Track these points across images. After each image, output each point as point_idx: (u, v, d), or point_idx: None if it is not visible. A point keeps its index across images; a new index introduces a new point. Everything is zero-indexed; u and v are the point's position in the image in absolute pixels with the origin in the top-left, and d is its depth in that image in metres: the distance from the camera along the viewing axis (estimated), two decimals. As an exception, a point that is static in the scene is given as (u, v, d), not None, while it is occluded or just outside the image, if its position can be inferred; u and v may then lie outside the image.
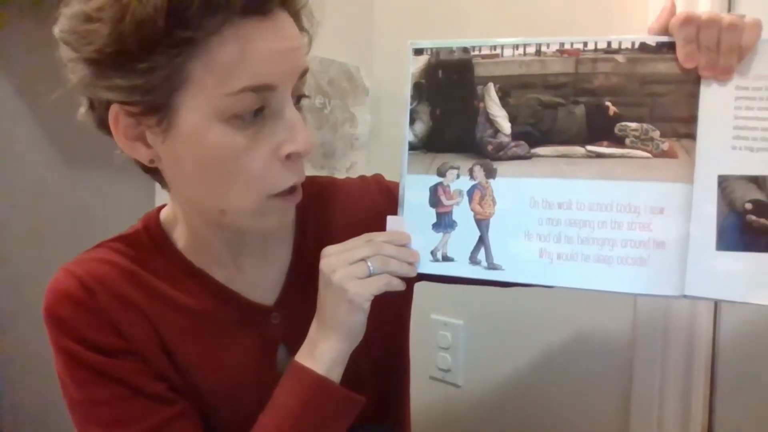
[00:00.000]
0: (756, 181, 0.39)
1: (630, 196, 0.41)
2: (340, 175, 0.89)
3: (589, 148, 0.42)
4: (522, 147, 0.44)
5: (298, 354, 0.44)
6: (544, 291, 0.48)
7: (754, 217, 0.39)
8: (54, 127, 1.13)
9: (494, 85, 0.44)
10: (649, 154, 0.41)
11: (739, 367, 0.63)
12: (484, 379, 0.84)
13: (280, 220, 0.44)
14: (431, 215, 0.46)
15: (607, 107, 0.42)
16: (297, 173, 0.41)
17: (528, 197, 0.44)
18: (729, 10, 0.62)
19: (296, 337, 0.45)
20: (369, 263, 0.42)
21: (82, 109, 0.42)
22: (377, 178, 0.57)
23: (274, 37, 0.38)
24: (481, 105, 0.45)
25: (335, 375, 0.43)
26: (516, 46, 0.43)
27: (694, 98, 0.40)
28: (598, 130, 0.42)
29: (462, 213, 0.45)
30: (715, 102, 0.40)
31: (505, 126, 0.44)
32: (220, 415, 0.47)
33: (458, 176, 0.45)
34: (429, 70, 0.46)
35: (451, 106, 0.46)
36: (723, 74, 0.39)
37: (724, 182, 0.40)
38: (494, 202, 0.45)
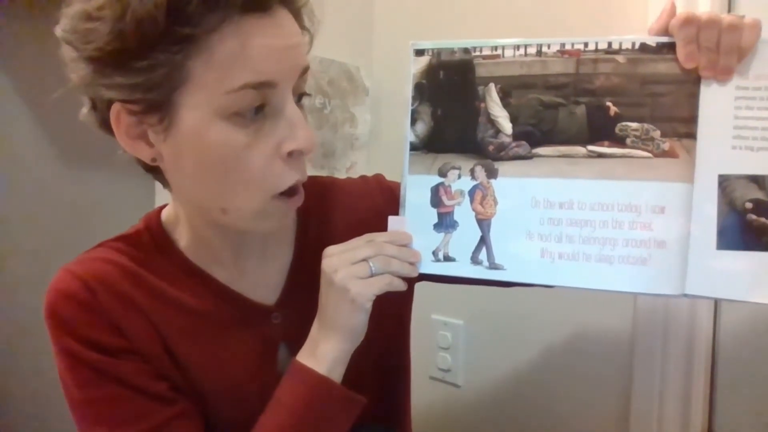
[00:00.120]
0: (756, 180, 0.39)
1: (631, 195, 0.41)
2: (340, 175, 0.89)
3: (590, 148, 0.43)
4: (523, 147, 0.44)
5: (300, 354, 0.45)
6: (543, 291, 0.48)
7: (754, 217, 0.39)
8: (54, 127, 1.13)
9: (495, 86, 0.44)
10: (649, 154, 0.41)
11: (739, 367, 0.63)
12: (484, 379, 0.84)
13: (280, 221, 0.44)
14: (432, 215, 0.46)
15: (608, 107, 0.42)
16: (298, 171, 0.41)
17: (529, 197, 0.44)
18: (729, 11, 0.62)
19: (297, 336, 0.45)
20: (371, 263, 0.42)
21: (84, 110, 0.42)
22: (378, 178, 0.57)
23: (275, 34, 0.38)
24: (482, 105, 0.45)
25: (336, 375, 0.43)
26: (517, 47, 0.44)
27: (694, 98, 0.40)
28: (599, 130, 0.42)
29: (463, 213, 0.45)
30: (715, 102, 0.40)
31: (506, 126, 0.44)
32: (221, 414, 0.47)
33: (459, 176, 0.46)
34: (430, 71, 0.46)
35: (453, 106, 0.46)
36: (723, 74, 0.39)
37: (724, 182, 0.40)
38: (495, 202, 0.45)
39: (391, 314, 0.52)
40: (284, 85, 0.39)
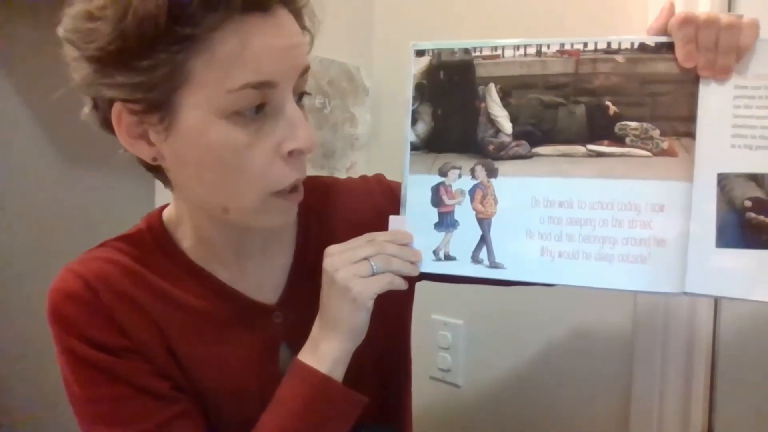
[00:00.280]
0: (755, 178, 0.40)
1: (630, 194, 0.41)
2: (340, 175, 0.90)
3: (590, 147, 0.43)
4: (523, 146, 0.44)
5: (301, 353, 0.45)
6: (543, 291, 0.49)
7: (753, 215, 0.40)
8: (54, 127, 1.13)
9: (495, 86, 0.45)
10: (649, 153, 0.41)
11: (739, 366, 0.64)
12: (484, 379, 0.84)
13: (283, 219, 0.44)
14: (433, 215, 0.46)
15: (608, 107, 0.42)
16: (298, 170, 0.42)
17: (529, 196, 0.44)
18: (729, 11, 0.62)
19: (298, 336, 0.46)
20: (372, 262, 0.42)
21: (86, 109, 0.42)
22: (379, 178, 0.57)
23: (275, 33, 0.38)
24: (483, 105, 0.45)
25: (338, 374, 0.43)
26: (517, 47, 0.44)
27: (693, 97, 0.40)
28: (599, 129, 0.42)
29: (464, 212, 0.46)
30: (714, 101, 0.40)
31: (507, 126, 0.45)
32: (222, 413, 0.47)
33: (460, 176, 0.46)
34: (430, 71, 0.46)
35: (453, 106, 0.46)
36: (721, 74, 0.40)
37: (723, 180, 0.40)
38: (496, 202, 0.45)
39: (391, 314, 0.52)
40: (285, 84, 0.39)
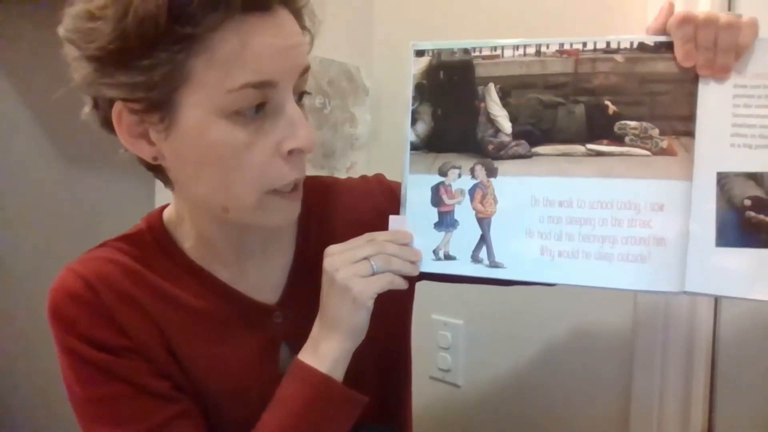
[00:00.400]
0: (754, 177, 0.40)
1: (630, 193, 0.41)
2: (340, 175, 0.90)
3: (589, 146, 0.43)
4: (523, 146, 0.44)
5: (301, 353, 0.45)
6: (543, 291, 0.49)
7: (753, 214, 0.40)
8: (54, 127, 1.13)
9: (495, 86, 0.45)
10: (648, 152, 0.41)
11: (739, 366, 0.64)
12: (484, 379, 0.84)
13: (283, 217, 0.44)
14: (433, 214, 0.46)
15: (607, 106, 0.42)
16: (298, 170, 0.42)
17: (529, 196, 0.44)
18: (728, 10, 0.63)
19: (299, 336, 0.46)
20: (372, 262, 0.43)
21: (86, 109, 0.42)
22: (379, 178, 0.57)
23: (275, 33, 0.38)
24: (482, 105, 0.45)
25: (338, 374, 0.43)
26: (516, 47, 0.44)
27: (692, 97, 0.40)
28: (598, 128, 0.42)
29: (463, 212, 0.46)
30: (713, 100, 0.40)
31: (506, 125, 0.45)
32: (223, 413, 0.47)
33: (460, 175, 0.46)
34: (430, 71, 0.46)
35: (453, 106, 0.46)
36: (720, 73, 0.40)
37: (723, 179, 0.40)
38: (495, 201, 0.45)
39: (392, 314, 0.52)
40: (285, 84, 0.39)
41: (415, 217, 0.47)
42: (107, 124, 0.41)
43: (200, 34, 0.36)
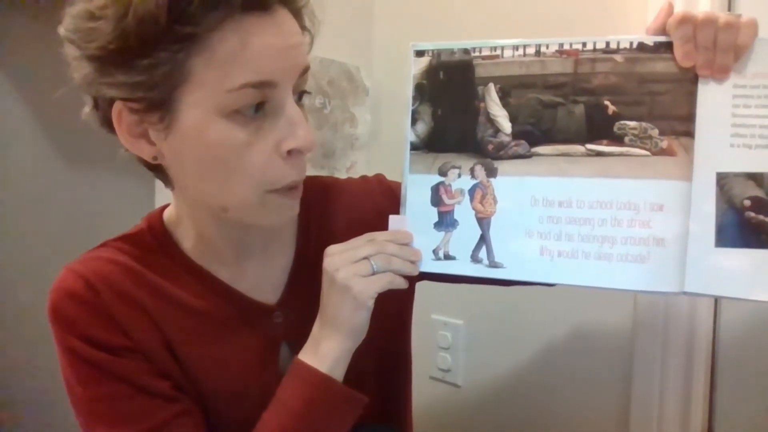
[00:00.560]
0: (754, 178, 0.40)
1: (629, 193, 0.41)
2: (340, 175, 0.90)
3: (589, 146, 0.43)
4: (522, 146, 0.44)
5: (302, 352, 0.45)
6: (543, 291, 0.49)
7: (752, 214, 0.40)
8: (55, 127, 1.13)
9: (495, 86, 0.45)
10: (648, 152, 0.41)
11: (739, 366, 0.64)
12: (484, 379, 0.84)
13: (283, 216, 0.44)
14: (433, 214, 0.46)
15: (606, 106, 0.42)
16: (298, 170, 0.42)
17: (529, 196, 0.44)
18: (728, 10, 0.63)
19: (299, 335, 0.46)
20: (372, 262, 0.43)
21: (87, 109, 0.42)
22: (379, 178, 0.57)
23: (275, 33, 0.38)
24: (482, 105, 0.45)
25: (338, 374, 0.43)
26: (516, 47, 0.44)
27: (692, 97, 0.40)
28: (598, 128, 0.42)
29: (463, 212, 0.46)
30: (713, 100, 0.40)
31: (506, 125, 0.45)
32: (223, 413, 0.47)
33: (459, 175, 0.46)
34: (430, 72, 0.46)
35: (452, 106, 0.46)
36: (720, 73, 0.40)
37: (722, 179, 0.40)
38: (495, 201, 0.45)
39: (392, 314, 0.52)
40: (284, 84, 0.39)
41: (415, 216, 0.47)
42: (107, 124, 0.41)
43: (200, 34, 0.36)
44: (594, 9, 0.71)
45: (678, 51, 0.40)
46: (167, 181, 0.45)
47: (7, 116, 1.12)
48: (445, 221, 0.46)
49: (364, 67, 0.94)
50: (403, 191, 0.47)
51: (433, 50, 0.46)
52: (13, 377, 1.14)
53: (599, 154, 0.43)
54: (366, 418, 0.45)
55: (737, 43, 0.39)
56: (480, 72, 0.45)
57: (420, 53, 0.46)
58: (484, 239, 0.45)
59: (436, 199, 0.46)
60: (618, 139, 0.42)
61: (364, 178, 0.58)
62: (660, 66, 0.41)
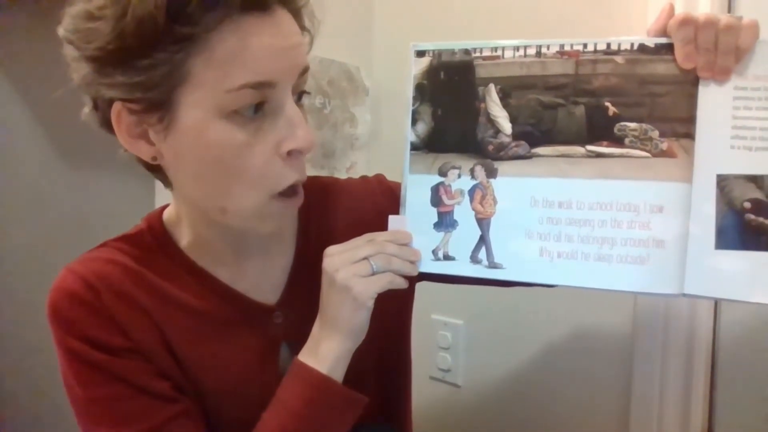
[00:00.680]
0: (754, 180, 0.40)
1: (629, 195, 0.41)
2: (340, 175, 0.90)
3: (589, 147, 0.43)
4: (522, 147, 0.44)
5: (301, 353, 0.45)
6: (543, 291, 0.49)
7: (752, 216, 0.39)
8: (54, 127, 1.13)
9: (495, 86, 0.45)
10: (648, 154, 0.41)
11: (739, 367, 0.64)
12: (484, 379, 0.84)
13: (280, 222, 0.44)
14: (433, 214, 0.46)
15: (607, 107, 0.42)
16: (298, 171, 0.42)
17: (528, 196, 0.44)
18: (728, 12, 0.62)
19: (299, 336, 0.46)
20: (372, 262, 0.43)
21: (86, 109, 0.42)
22: (379, 178, 0.57)
23: (274, 33, 0.38)
24: (482, 106, 0.45)
25: (338, 374, 0.43)
26: (516, 48, 0.44)
27: (692, 98, 0.40)
28: (598, 130, 0.42)
29: (463, 212, 0.46)
30: (713, 102, 0.40)
31: (506, 126, 0.45)
32: (223, 413, 0.47)
33: (459, 176, 0.46)
34: (431, 72, 0.46)
35: (453, 106, 0.46)
36: (721, 75, 0.40)
37: (722, 181, 0.40)
38: (495, 202, 0.45)
39: (392, 314, 0.52)
40: (284, 84, 0.39)
41: (414, 217, 0.47)
42: (106, 125, 0.41)
43: (199, 34, 0.36)
44: (595, 10, 0.71)
45: (679, 53, 0.40)
46: (166, 182, 0.45)
47: (7, 116, 1.12)
48: (445, 222, 0.46)
49: (364, 67, 0.94)
50: (403, 191, 0.47)
51: (433, 50, 0.46)
52: (12, 377, 1.14)
53: (599, 155, 0.43)
54: (366, 418, 0.45)
55: (738, 45, 0.39)
56: (480, 72, 0.45)
57: (420, 53, 0.46)
58: (483, 240, 0.45)
59: (436, 200, 0.46)
60: (618, 141, 0.42)
61: (364, 178, 0.58)
62: (661, 67, 0.41)
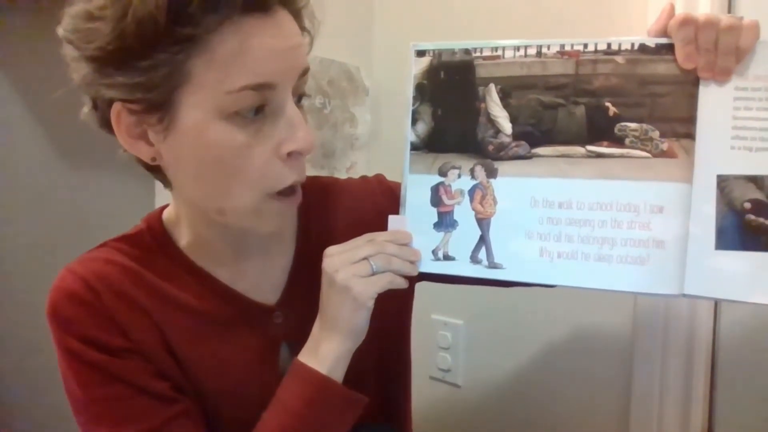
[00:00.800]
0: (755, 180, 0.40)
1: (630, 195, 0.41)
2: (340, 175, 0.90)
3: (590, 148, 0.43)
4: (523, 147, 0.44)
5: (301, 353, 0.45)
6: (543, 291, 0.49)
7: (752, 217, 0.39)
8: (54, 127, 1.13)
9: (495, 86, 0.45)
10: (648, 154, 0.41)
11: (739, 367, 0.64)
12: (484, 379, 0.84)
13: (278, 222, 0.44)
14: (433, 215, 0.46)
15: (607, 108, 0.42)
16: (297, 172, 0.42)
17: (529, 197, 0.44)
18: (729, 12, 0.62)
19: (299, 336, 0.46)
20: (372, 262, 0.43)
21: (86, 109, 0.42)
22: (379, 178, 0.57)
23: (274, 34, 0.38)
24: (483, 106, 0.45)
25: (338, 374, 0.43)
26: (517, 48, 0.44)
27: (693, 99, 0.40)
28: (598, 130, 0.42)
29: (463, 212, 0.46)
30: (714, 102, 0.40)
31: (506, 126, 0.45)
32: (223, 414, 0.47)
33: (459, 176, 0.46)
34: (431, 72, 0.46)
35: (453, 106, 0.46)
36: (721, 75, 0.39)
37: (723, 182, 0.40)
38: (495, 202, 0.45)
39: (392, 314, 0.52)
40: (284, 86, 0.39)
41: (414, 217, 0.47)
42: (106, 125, 0.41)
43: (200, 35, 0.36)
44: (595, 10, 0.71)
45: (679, 53, 0.40)
46: (166, 182, 0.45)
47: (7, 116, 1.12)
48: (445, 222, 0.46)
49: (364, 67, 0.94)
50: (402, 191, 0.47)
51: (433, 50, 0.46)
52: (12, 377, 1.14)
53: (600, 155, 0.43)
54: (366, 418, 0.45)
55: (739, 45, 0.38)
56: (481, 72, 0.45)
57: (421, 53, 0.46)
58: (483, 240, 0.45)
59: (436, 200, 0.46)
60: (618, 141, 0.42)
61: (364, 178, 0.58)
62: (661, 68, 0.41)
